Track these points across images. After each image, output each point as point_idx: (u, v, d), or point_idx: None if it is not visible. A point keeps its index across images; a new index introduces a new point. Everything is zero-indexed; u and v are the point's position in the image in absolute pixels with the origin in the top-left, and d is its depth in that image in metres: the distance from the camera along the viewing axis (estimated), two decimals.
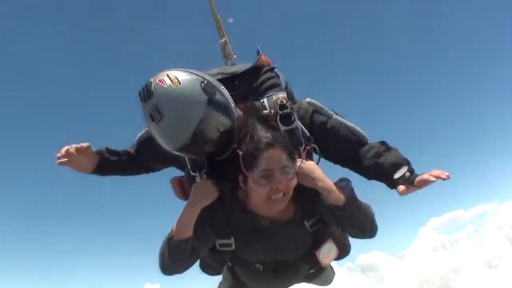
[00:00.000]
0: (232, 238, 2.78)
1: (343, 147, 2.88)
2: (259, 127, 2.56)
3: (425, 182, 2.65)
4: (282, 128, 2.70)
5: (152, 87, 2.43)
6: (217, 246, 2.82)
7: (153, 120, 2.43)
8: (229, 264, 3.16)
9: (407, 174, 2.73)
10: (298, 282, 3.28)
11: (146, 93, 2.45)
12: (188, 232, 2.62)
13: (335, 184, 2.66)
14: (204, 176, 2.73)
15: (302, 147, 2.67)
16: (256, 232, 2.75)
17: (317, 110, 2.89)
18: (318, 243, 2.91)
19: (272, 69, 3.08)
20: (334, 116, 2.90)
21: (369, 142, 2.91)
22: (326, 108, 2.91)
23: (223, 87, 2.63)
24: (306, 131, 2.80)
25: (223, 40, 3.58)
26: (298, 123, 2.78)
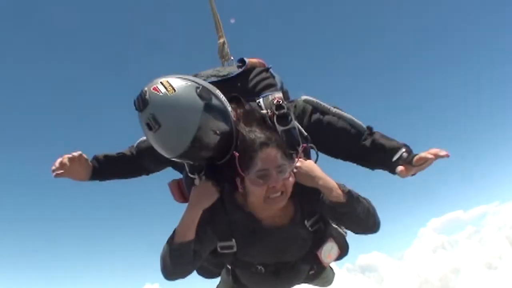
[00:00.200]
0: (234, 240, 2.79)
1: (343, 141, 2.88)
2: (254, 127, 2.59)
3: (424, 161, 2.65)
4: (279, 128, 2.70)
5: (147, 96, 2.42)
6: (218, 249, 2.82)
7: (150, 129, 2.43)
8: (229, 266, 3.16)
9: (405, 154, 2.73)
10: (298, 283, 3.29)
11: (141, 102, 2.44)
12: (191, 235, 2.62)
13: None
14: (203, 178, 2.73)
15: (300, 147, 2.66)
16: (257, 234, 2.76)
17: (314, 107, 2.89)
18: (318, 243, 2.91)
19: (267, 70, 3.07)
20: (332, 110, 2.90)
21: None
22: (322, 104, 2.91)
23: (218, 91, 2.62)
24: (303, 130, 2.79)
25: (221, 40, 3.59)
26: (295, 123, 2.77)
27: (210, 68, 3.11)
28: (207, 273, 3.37)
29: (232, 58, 3.52)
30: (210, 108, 2.47)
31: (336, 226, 3.09)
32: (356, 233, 2.91)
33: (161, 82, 2.46)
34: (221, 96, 2.62)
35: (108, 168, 3.13)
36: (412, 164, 2.68)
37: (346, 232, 3.17)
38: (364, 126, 2.91)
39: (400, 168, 2.70)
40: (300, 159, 2.62)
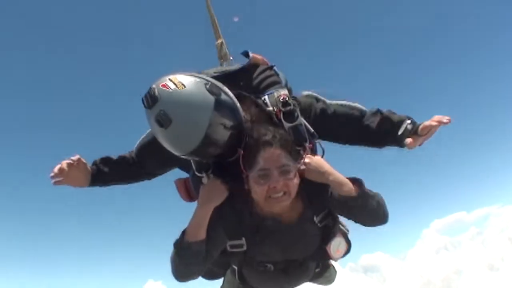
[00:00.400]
0: (243, 238, 2.76)
1: (349, 124, 2.91)
2: (260, 125, 2.58)
3: (430, 129, 2.72)
4: (286, 125, 2.67)
5: (156, 93, 2.38)
6: (228, 248, 2.79)
7: (161, 125, 2.38)
8: (235, 267, 3.12)
9: (409, 126, 2.79)
10: (305, 281, 3.27)
11: (150, 99, 2.39)
12: (202, 234, 2.59)
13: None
14: (211, 176, 2.69)
15: (307, 143, 2.65)
16: (267, 231, 2.74)
17: (316, 101, 2.91)
18: (327, 239, 2.89)
19: (270, 67, 3.03)
20: (333, 100, 2.95)
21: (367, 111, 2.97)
22: (323, 96, 2.95)
23: (226, 87, 2.60)
24: (309, 126, 2.77)
25: (219, 41, 3.55)
26: (301, 119, 2.74)
27: (210, 68, 3.04)
28: (210, 275, 3.30)
29: (231, 58, 3.48)
30: (220, 104, 2.45)
31: (339, 224, 3.04)
32: (366, 225, 2.88)
33: (169, 79, 2.44)
34: (229, 92, 2.59)
35: (108, 173, 3.05)
36: (418, 134, 2.75)
37: (348, 230, 3.13)
38: (365, 108, 2.96)
39: (408, 140, 2.74)
40: (308, 155, 2.61)
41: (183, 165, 2.98)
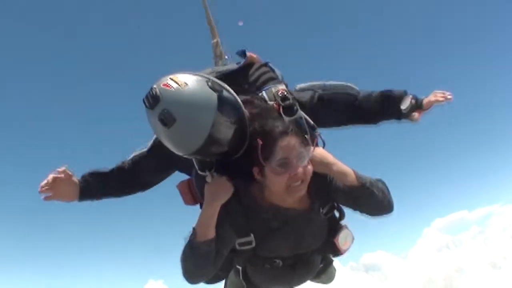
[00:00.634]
0: (252, 235, 2.76)
1: (348, 109, 3.05)
2: (268, 118, 2.59)
3: (433, 103, 3.02)
4: (286, 119, 2.69)
5: (158, 92, 2.37)
6: (237, 246, 2.80)
7: (165, 125, 2.35)
8: (239, 267, 3.11)
9: (413, 101, 3.01)
10: (310, 278, 3.29)
11: (152, 99, 2.37)
12: (211, 233, 2.60)
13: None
14: (215, 174, 2.69)
15: (308, 136, 2.66)
16: (276, 225, 2.76)
17: (314, 92, 2.99)
18: (334, 231, 2.94)
19: (265, 64, 3.07)
20: (327, 84, 3.07)
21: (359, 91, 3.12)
22: (316, 84, 3.06)
23: (226, 84, 2.63)
24: (309, 119, 2.81)
25: (214, 40, 3.60)
26: (301, 113, 2.78)
27: (205, 68, 3.03)
28: (211, 277, 3.14)
29: (226, 57, 3.52)
30: (223, 100, 2.45)
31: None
32: (373, 216, 2.91)
33: (170, 78, 2.43)
34: (230, 89, 2.61)
35: (98, 186, 2.99)
36: (423, 108, 3.02)
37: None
38: (359, 89, 3.12)
39: (416, 114, 3.01)
40: (314, 147, 2.63)
41: (182, 167, 3.00)
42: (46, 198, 2.83)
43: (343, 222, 2.98)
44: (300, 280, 3.19)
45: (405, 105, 3.00)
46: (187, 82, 2.41)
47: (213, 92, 2.42)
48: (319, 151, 2.67)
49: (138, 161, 3.01)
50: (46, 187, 2.80)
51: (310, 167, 2.55)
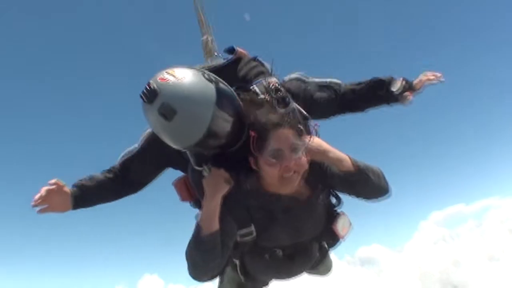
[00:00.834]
0: (252, 225, 2.79)
1: (335, 97, 3.13)
2: (262, 110, 2.62)
3: (424, 83, 3.15)
4: (280, 111, 2.68)
5: (156, 86, 2.38)
6: (238, 238, 2.80)
7: (165, 118, 2.36)
8: (236, 261, 3.11)
9: (404, 82, 3.11)
10: (308, 268, 3.30)
11: (150, 94, 2.38)
12: (216, 225, 2.61)
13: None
14: (211, 167, 2.69)
15: (302, 126, 2.67)
16: (275, 214, 2.79)
17: (304, 82, 3.06)
18: (332, 218, 2.99)
19: (254, 59, 3.08)
20: (317, 79, 3.13)
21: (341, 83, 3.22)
22: (307, 77, 3.11)
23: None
24: (302, 109, 2.82)
25: (205, 37, 3.56)
26: (294, 104, 2.79)
27: (196, 65, 3.04)
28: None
29: (216, 54, 3.49)
30: (220, 91, 2.49)
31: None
32: (370, 200, 2.97)
33: (166, 72, 2.45)
34: (224, 82, 2.63)
35: (91, 192, 2.98)
36: (414, 89, 3.13)
37: None
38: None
39: (408, 95, 3.10)
40: (311, 137, 2.67)
41: (176, 164, 3.00)
42: (40, 211, 2.81)
43: (340, 209, 3.04)
44: (299, 269, 3.21)
45: (395, 87, 3.10)
46: (184, 75, 2.43)
47: (210, 83, 2.47)
48: (314, 140, 2.68)
49: (129, 163, 3.01)
50: (40, 200, 2.78)
51: (304, 158, 2.58)
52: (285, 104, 2.75)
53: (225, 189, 2.64)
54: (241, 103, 2.66)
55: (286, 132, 2.52)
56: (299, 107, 2.82)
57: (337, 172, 2.76)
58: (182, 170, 3.03)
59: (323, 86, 3.12)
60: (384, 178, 2.88)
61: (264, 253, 2.99)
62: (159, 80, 2.41)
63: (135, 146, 3.00)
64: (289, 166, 2.53)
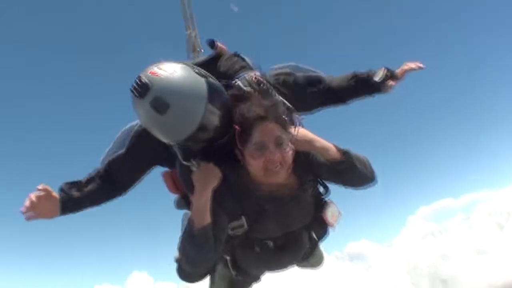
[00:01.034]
0: (243, 217, 2.80)
1: (318, 89, 3.18)
2: (246, 103, 2.63)
3: (406, 71, 3.26)
4: (264, 104, 2.68)
5: (147, 81, 2.37)
6: (229, 231, 2.81)
7: (158, 112, 2.36)
8: (226, 257, 3.10)
9: (386, 71, 3.20)
10: (300, 259, 3.31)
11: (141, 88, 2.37)
12: (207, 218, 2.61)
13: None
14: (200, 162, 2.69)
15: (287, 119, 2.68)
16: (265, 205, 2.81)
17: (287, 75, 3.10)
18: (321, 207, 3.01)
19: (235, 54, 3.09)
20: (301, 72, 3.18)
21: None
22: (290, 69, 3.17)
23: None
24: (287, 102, 2.84)
25: (189, 32, 3.55)
26: (278, 97, 2.83)
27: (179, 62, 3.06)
28: (191, 275, 3.26)
29: (203, 50, 3.50)
30: (211, 86, 2.50)
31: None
32: (358, 188, 3.01)
33: (156, 67, 2.44)
34: (212, 76, 2.64)
35: (78, 197, 2.93)
36: (397, 77, 3.22)
37: None
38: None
39: (391, 82, 3.18)
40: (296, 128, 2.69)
41: (163, 161, 3.01)
42: (28, 218, 2.76)
43: (328, 198, 3.05)
44: (291, 260, 3.22)
45: (378, 76, 3.19)
46: (175, 69, 2.44)
47: (201, 78, 2.48)
48: (299, 130, 2.71)
49: (115, 164, 2.98)
50: (30, 207, 2.74)
51: (289, 151, 2.60)
52: (269, 97, 2.77)
53: (215, 182, 2.65)
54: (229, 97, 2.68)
55: (271, 126, 2.54)
56: (283, 99, 2.84)
57: (324, 161, 2.79)
58: (169, 167, 3.04)
59: (306, 79, 3.16)
60: (370, 166, 2.92)
61: (255, 245, 3.00)
62: (150, 74, 2.40)
63: (116, 146, 2.98)
64: (273, 158, 2.54)
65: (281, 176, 2.65)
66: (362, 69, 3.33)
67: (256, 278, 3.47)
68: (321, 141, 2.75)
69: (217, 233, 2.65)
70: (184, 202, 3.14)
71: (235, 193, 2.75)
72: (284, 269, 3.28)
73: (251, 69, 3.00)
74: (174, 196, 3.26)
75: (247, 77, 2.86)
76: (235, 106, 2.64)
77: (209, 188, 2.63)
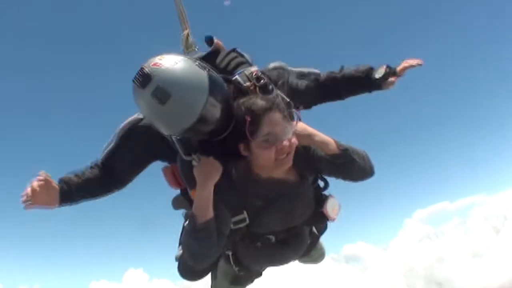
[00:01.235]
0: (245, 212, 2.80)
1: (316, 85, 3.20)
2: (250, 97, 2.69)
3: (406, 68, 3.21)
4: (267, 97, 2.72)
5: (149, 71, 2.38)
6: (231, 226, 2.80)
7: (159, 101, 2.37)
8: (228, 252, 3.13)
9: (387, 69, 3.17)
10: (302, 254, 3.34)
11: (144, 78, 2.38)
12: (210, 212, 2.61)
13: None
14: (201, 157, 2.70)
15: (288, 112, 2.70)
16: (267, 199, 2.82)
17: (285, 70, 3.12)
18: (321, 201, 3.01)
19: (233, 50, 3.10)
20: (298, 68, 3.22)
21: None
22: (288, 66, 3.18)
23: None
24: (285, 97, 2.87)
25: (185, 32, 3.53)
26: (277, 91, 2.86)
27: None
28: (193, 273, 3.30)
29: (197, 49, 3.48)
30: (212, 79, 2.50)
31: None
32: (357, 181, 3.02)
33: (159, 58, 2.46)
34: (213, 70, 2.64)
35: (78, 189, 2.92)
36: (397, 74, 3.19)
37: None
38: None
39: (392, 79, 3.17)
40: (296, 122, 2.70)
41: (162, 156, 3.01)
42: (27, 206, 2.76)
43: (328, 192, 3.06)
44: (293, 255, 3.24)
45: (379, 73, 3.17)
46: (177, 61, 2.45)
47: (202, 70, 2.49)
48: (299, 124, 2.73)
49: (110, 157, 2.98)
50: (30, 195, 2.73)
51: (294, 140, 2.63)
52: (269, 91, 2.82)
53: (216, 176, 2.65)
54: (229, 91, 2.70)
55: (277, 116, 2.58)
56: (282, 94, 2.88)
57: (324, 156, 2.81)
58: (169, 162, 3.04)
59: (303, 75, 3.19)
60: (369, 160, 2.94)
61: (256, 240, 3.00)
62: (152, 66, 2.41)
63: (117, 140, 2.97)
64: (283, 148, 2.57)
65: (289, 165, 2.69)
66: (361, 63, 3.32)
67: (258, 274, 3.49)
68: (321, 135, 2.78)
69: (220, 227, 2.65)
70: (184, 198, 3.13)
71: (237, 188, 2.75)
72: (286, 263, 3.29)
73: (250, 65, 3.01)
74: (171, 194, 3.26)
75: (246, 73, 2.87)
76: (235, 100, 2.66)
77: (211, 182, 2.62)
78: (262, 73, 2.94)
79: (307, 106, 3.20)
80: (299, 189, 2.88)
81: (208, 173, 2.64)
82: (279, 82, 2.99)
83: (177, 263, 3.19)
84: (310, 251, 3.48)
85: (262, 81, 2.83)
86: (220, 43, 3.12)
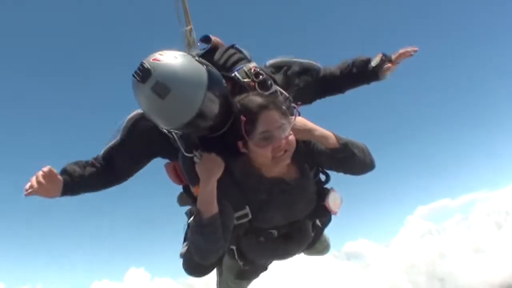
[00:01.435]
0: (247, 207, 2.81)
1: (315, 79, 3.21)
2: (247, 94, 2.68)
3: (402, 56, 3.24)
4: (264, 94, 2.75)
5: (149, 66, 2.40)
6: (234, 221, 2.82)
7: (159, 96, 2.39)
8: (232, 247, 3.14)
9: (383, 57, 3.22)
10: (306, 248, 3.36)
11: (143, 73, 2.40)
12: (215, 207, 2.62)
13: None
14: (202, 153, 2.72)
15: (286, 108, 2.71)
16: (269, 194, 2.82)
17: (284, 66, 3.11)
18: (323, 195, 3.01)
19: (232, 46, 3.11)
20: (297, 61, 3.20)
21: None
22: (287, 60, 3.17)
23: None
24: (284, 92, 2.90)
25: (188, 28, 3.56)
26: (275, 87, 2.88)
27: None
28: (197, 269, 3.27)
29: (198, 44, 3.50)
30: (211, 73, 2.52)
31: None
32: (358, 174, 3.03)
33: (159, 54, 2.48)
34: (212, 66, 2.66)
35: (79, 181, 2.92)
36: (394, 62, 3.22)
37: None
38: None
39: (388, 65, 3.20)
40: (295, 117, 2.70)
41: (163, 152, 3.03)
42: (28, 194, 2.72)
43: (329, 186, 3.06)
44: (297, 249, 3.24)
45: (375, 61, 3.22)
46: (177, 56, 2.46)
47: (201, 66, 2.49)
48: (299, 119, 2.72)
49: (112, 152, 2.99)
50: (36, 186, 2.70)
51: (292, 137, 2.62)
52: (267, 87, 2.84)
53: (219, 172, 2.66)
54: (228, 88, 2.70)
55: (273, 114, 2.56)
56: (281, 89, 2.90)
57: (324, 150, 2.81)
58: (170, 159, 3.06)
59: (302, 70, 3.19)
60: (370, 153, 2.95)
61: (259, 235, 3.02)
62: (152, 61, 2.43)
63: (118, 135, 2.99)
64: (280, 146, 2.57)
65: (287, 162, 2.69)
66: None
67: (263, 268, 3.49)
68: (321, 130, 2.77)
69: (225, 222, 2.67)
70: (187, 195, 3.13)
71: (239, 183, 2.76)
72: (290, 257, 3.29)
73: (248, 61, 3.01)
74: (171, 195, 3.28)
75: (245, 69, 2.89)
76: (234, 97, 2.67)
77: (213, 178, 2.64)
78: (262, 69, 2.96)
79: (308, 101, 3.23)
80: (300, 184, 2.88)
81: (211, 169, 2.65)
82: (277, 78, 3.00)
83: (181, 260, 3.18)
84: (314, 243, 3.49)
85: (261, 77, 2.85)
86: (219, 39, 3.13)
